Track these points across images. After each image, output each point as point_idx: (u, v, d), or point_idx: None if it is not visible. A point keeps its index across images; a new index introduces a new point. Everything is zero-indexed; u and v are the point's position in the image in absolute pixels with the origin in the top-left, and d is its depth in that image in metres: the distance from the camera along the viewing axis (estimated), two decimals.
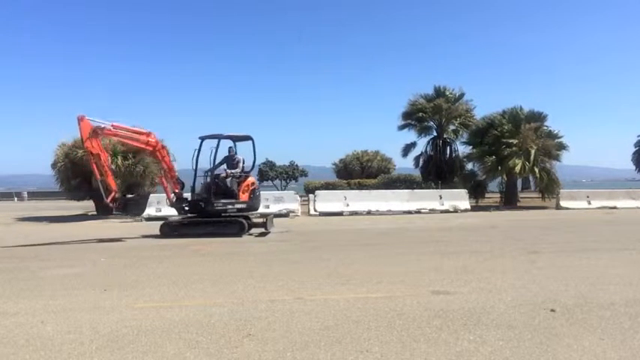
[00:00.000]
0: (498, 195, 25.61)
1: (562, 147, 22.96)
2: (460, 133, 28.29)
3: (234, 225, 12.48)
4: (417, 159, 29.71)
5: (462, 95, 28.78)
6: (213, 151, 12.55)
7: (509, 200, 23.61)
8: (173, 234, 12.53)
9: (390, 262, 8.03)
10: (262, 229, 13.01)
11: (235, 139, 13.39)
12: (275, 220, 17.15)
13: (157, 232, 12.68)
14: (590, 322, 4.54)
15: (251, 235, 12.47)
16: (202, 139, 12.78)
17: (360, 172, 40.50)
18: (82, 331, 4.51)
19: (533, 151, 21.67)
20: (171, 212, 18.40)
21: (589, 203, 21.27)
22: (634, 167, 42.34)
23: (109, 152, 19.26)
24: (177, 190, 12.75)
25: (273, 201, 19.26)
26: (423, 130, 28.99)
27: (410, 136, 29.87)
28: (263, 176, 58.85)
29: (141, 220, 17.81)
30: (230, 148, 13.23)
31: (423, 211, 19.45)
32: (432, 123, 28.82)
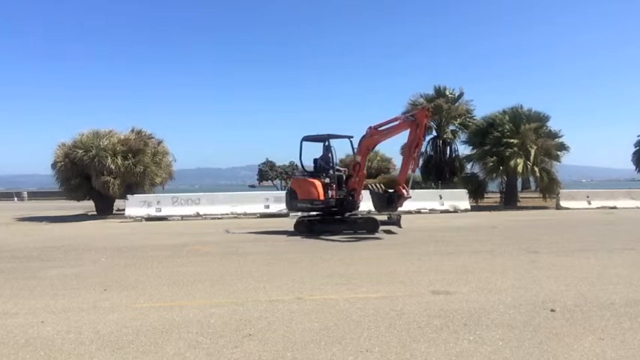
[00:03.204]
0: (498, 195, 25.59)
1: (562, 147, 22.94)
2: (459, 133, 28.27)
3: (368, 223, 12.37)
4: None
5: (461, 95, 28.77)
6: (333, 151, 12.85)
7: (509, 200, 23.59)
8: (308, 231, 12.29)
9: (390, 262, 8.03)
10: (387, 227, 12.64)
11: (336, 137, 13.16)
12: (275, 220, 17.14)
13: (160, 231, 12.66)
14: (590, 322, 4.55)
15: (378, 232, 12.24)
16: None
17: None
18: (82, 331, 4.51)
19: (533, 151, 21.66)
20: (170, 212, 18.44)
21: (589, 203, 21.27)
22: (634, 167, 42.35)
23: (109, 152, 19.30)
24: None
25: (273, 201, 18.97)
26: None
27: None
28: (263, 176, 59.00)
29: (140, 220, 17.82)
30: (327, 146, 12.92)
31: (422, 211, 19.43)
32: (432, 123, 28.80)
